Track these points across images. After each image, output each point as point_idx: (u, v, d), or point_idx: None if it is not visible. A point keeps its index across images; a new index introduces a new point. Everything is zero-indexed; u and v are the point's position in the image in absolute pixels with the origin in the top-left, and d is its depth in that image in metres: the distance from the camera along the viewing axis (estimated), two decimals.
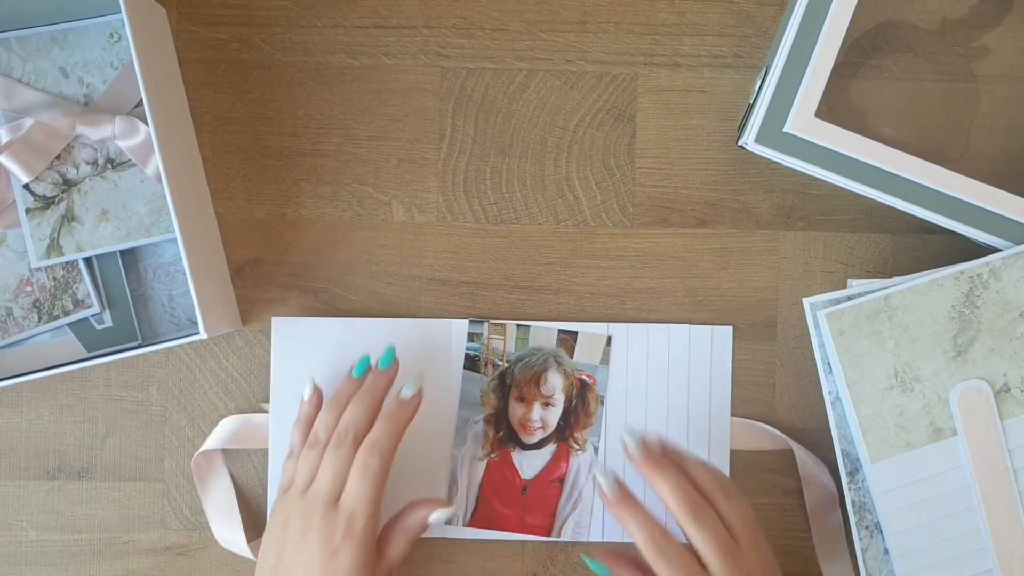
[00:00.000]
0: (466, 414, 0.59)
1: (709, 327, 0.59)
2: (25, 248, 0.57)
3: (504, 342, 0.59)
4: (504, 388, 0.59)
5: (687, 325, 0.59)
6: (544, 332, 0.59)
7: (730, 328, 0.60)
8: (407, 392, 0.54)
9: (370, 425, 0.53)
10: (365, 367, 0.55)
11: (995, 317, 0.54)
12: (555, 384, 0.59)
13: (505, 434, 0.59)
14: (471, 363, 0.59)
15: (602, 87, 0.60)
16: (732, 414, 0.59)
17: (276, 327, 0.59)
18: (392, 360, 0.55)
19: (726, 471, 0.59)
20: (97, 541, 0.60)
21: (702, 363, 0.59)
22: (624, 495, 0.52)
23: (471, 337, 0.59)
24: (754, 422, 0.60)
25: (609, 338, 0.59)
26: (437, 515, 0.53)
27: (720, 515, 0.51)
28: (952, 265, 0.55)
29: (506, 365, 0.59)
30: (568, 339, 0.59)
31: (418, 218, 0.60)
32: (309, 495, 0.52)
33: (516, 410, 0.59)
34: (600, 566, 0.53)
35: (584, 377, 0.58)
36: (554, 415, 0.59)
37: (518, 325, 0.59)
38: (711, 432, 0.59)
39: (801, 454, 0.59)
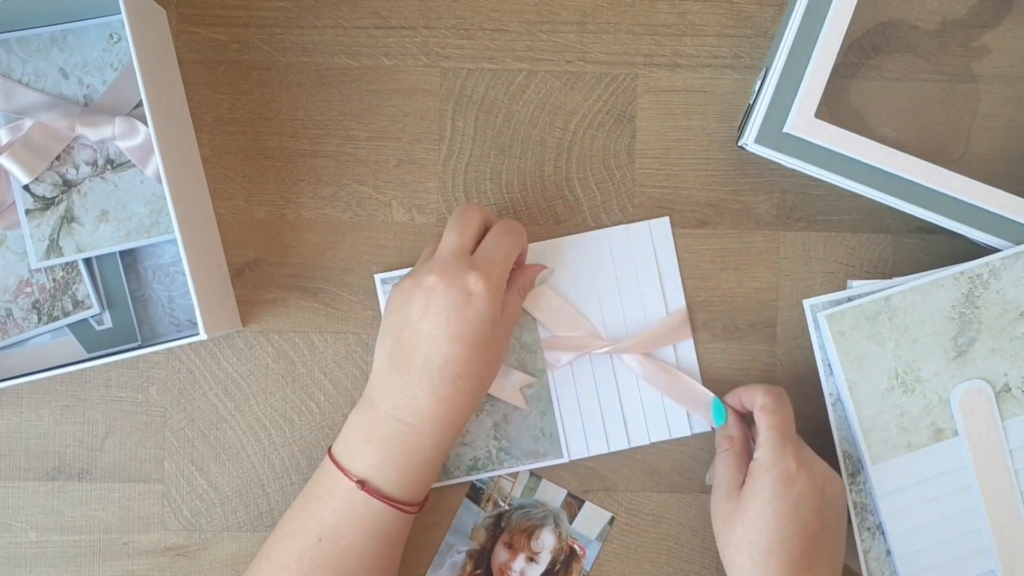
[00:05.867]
0: (452, 540, 0.59)
1: (647, 221, 0.60)
2: (25, 249, 0.57)
3: (513, 485, 0.59)
4: (497, 529, 0.59)
5: (623, 226, 0.60)
6: (553, 490, 0.59)
7: (666, 219, 0.60)
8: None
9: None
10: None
11: (995, 317, 0.54)
12: (546, 543, 0.59)
13: (483, 573, 0.59)
14: (475, 495, 0.59)
15: (602, 88, 0.60)
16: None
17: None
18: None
19: (696, 370, 0.60)
20: (97, 542, 0.60)
21: (646, 260, 0.59)
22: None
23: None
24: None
25: (612, 518, 0.59)
26: (542, 276, 0.58)
27: None
28: (952, 265, 0.55)
29: (507, 508, 0.59)
30: (573, 504, 0.59)
31: (418, 219, 0.60)
32: (437, 253, 0.53)
33: (501, 554, 0.59)
34: (721, 411, 0.57)
35: (576, 546, 0.58)
36: (535, 572, 0.59)
37: (531, 473, 0.59)
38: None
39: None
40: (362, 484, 0.52)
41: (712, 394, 0.58)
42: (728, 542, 0.52)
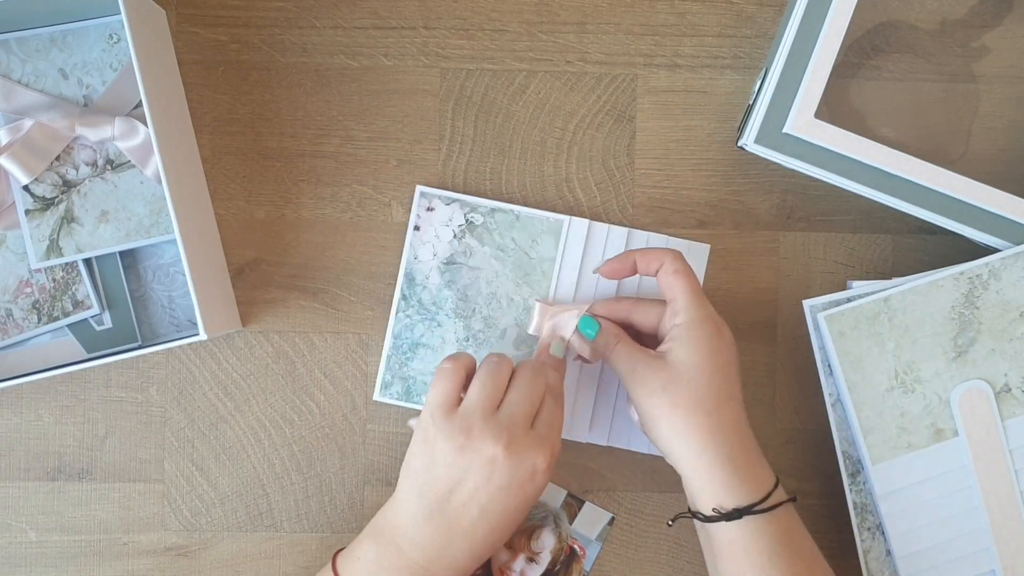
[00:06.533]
0: None
1: (687, 241, 0.59)
2: (25, 249, 0.57)
3: None
4: None
5: (665, 236, 0.59)
6: (553, 490, 0.59)
7: (707, 247, 0.59)
8: (556, 351, 0.56)
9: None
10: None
11: (995, 317, 0.54)
12: (546, 543, 0.59)
13: (483, 573, 0.59)
14: None
15: (602, 88, 0.60)
16: None
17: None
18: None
19: None
20: (97, 542, 0.60)
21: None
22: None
23: None
24: None
25: (612, 518, 0.59)
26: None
27: None
28: (952, 266, 0.55)
29: None
30: (573, 505, 0.59)
31: None
32: (504, 415, 0.50)
33: (501, 554, 0.59)
34: (591, 322, 0.56)
35: (576, 547, 0.58)
36: (535, 572, 0.59)
37: None
38: None
39: None
40: None
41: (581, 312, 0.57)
42: (675, 407, 0.51)
